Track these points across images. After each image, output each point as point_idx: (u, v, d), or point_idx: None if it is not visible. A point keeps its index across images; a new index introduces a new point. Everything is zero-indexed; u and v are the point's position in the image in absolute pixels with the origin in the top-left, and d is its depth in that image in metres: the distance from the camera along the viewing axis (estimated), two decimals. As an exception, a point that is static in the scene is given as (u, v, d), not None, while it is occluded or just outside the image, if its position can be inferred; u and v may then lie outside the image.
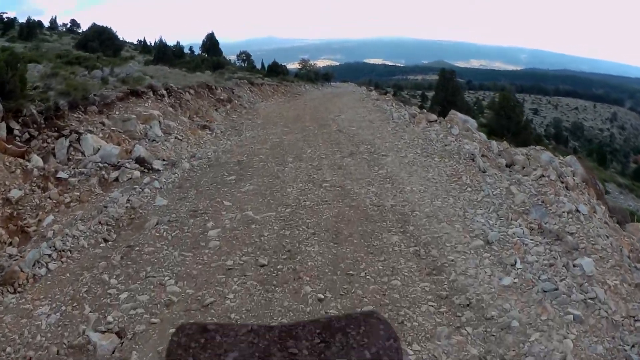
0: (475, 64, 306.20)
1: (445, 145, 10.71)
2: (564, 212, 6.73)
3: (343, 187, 7.77)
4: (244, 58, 46.16)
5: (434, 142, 11.19)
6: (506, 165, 9.84)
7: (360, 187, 7.73)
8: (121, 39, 41.73)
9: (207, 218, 6.72)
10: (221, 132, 14.05)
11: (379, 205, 6.86)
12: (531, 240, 5.90)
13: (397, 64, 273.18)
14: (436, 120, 14.81)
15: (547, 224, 6.46)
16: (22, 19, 39.99)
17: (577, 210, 6.85)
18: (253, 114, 18.24)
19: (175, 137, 12.03)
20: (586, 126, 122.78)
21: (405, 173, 8.61)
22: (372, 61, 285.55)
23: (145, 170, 9.07)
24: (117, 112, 11.40)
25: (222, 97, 18.58)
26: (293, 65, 59.47)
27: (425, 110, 19.94)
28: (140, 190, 7.96)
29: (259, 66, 45.22)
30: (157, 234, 6.33)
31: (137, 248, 5.98)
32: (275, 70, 39.52)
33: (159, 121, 12.25)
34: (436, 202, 7.03)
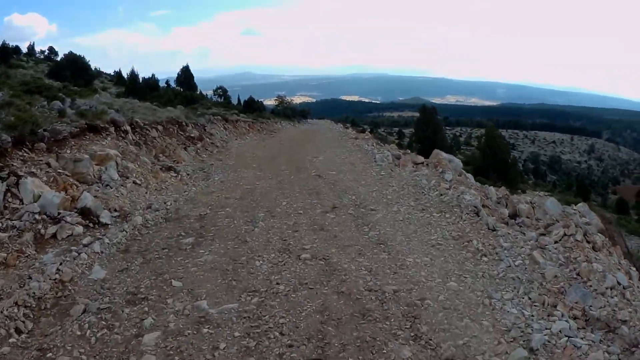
0: (451, 99, 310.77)
1: (441, 195, 9.33)
2: (607, 288, 5.24)
3: (327, 259, 6.10)
4: (221, 93, 44.55)
5: (427, 191, 9.83)
6: (509, 216, 8.45)
7: (350, 260, 6.06)
8: (95, 69, 40.24)
9: (147, 308, 4.97)
10: (187, 174, 12.45)
11: (377, 290, 5.15)
12: (582, 339, 4.35)
13: (374, 101, 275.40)
14: (423, 163, 13.59)
15: (592, 308, 4.94)
16: (13, 43, 39.84)
17: (619, 283, 5.39)
18: (225, 154, 16.72)
19: (134, 182, 10.34)
20: (564, 159, 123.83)
21: (402, 235, 7.05)
22: (348, 98, 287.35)
23: (90, 225, 7.38)
24: (68, 151, 9.67)
25: (192, 135, 17.02)
26: (270, 102, 57.79)
27: (409, 151, 18.66)
28: (77, 254, 6.23)
29: (235, 102, 43.85)
30: (80, 332, 4.56)
31: (50, 354, 4.25)
32: (252, 106, 38.13)
33: (116, 162, 10.60)
34: (450, 282, 5.40)
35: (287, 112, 47.95)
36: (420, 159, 14.01)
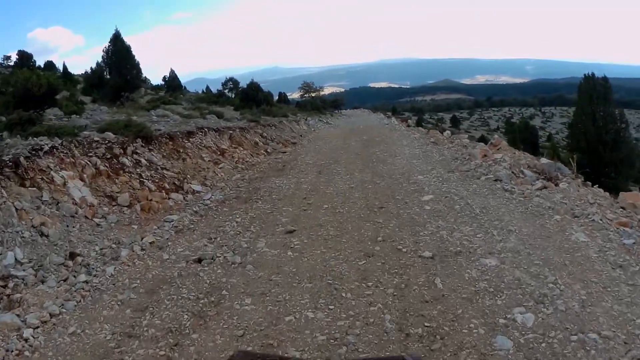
0: (481, 79, 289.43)
1: None
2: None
3: None
4: (231, 87, 33.03)
5: None
6: None
7: None
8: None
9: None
10: None
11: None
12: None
13: (403, 86, 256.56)
14: None
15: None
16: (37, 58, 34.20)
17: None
18: None
19: None
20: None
21: None
22: (377, 85, 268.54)
23: None
24: None
25: None
26: (297, 95, 48.84)
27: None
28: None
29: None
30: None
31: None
32: (255, 99, 21.41)
33: None
34: None
35: (316, 103, 38.84)
36: None
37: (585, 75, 18.89)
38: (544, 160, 8.30)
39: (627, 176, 17.12)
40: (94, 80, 18.19)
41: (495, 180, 6.80)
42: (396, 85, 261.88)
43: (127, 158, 7.19)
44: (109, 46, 17.34)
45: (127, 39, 17.88)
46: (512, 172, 7.31)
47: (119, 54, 17.09)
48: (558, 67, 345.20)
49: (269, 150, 12.96)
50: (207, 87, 48.24)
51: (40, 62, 37.13)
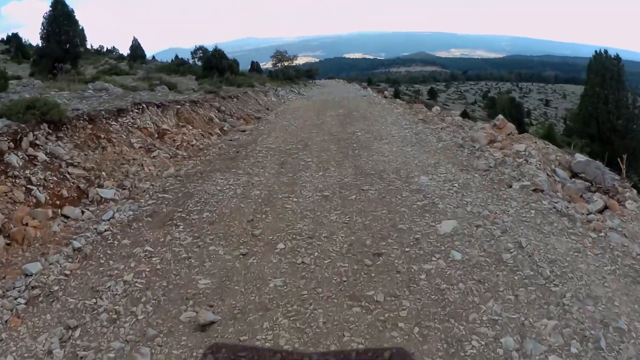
0: (456, 53, 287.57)
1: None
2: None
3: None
4: (200, 55, 32.54)
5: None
6: None
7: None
8: None
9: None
10: None
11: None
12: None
13: (378, 57, 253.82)
14: None
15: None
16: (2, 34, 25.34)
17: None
18: None
19: None
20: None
21: None
22: (352, 56, 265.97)
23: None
24: None
25: None
26: (270, 64, 45.29)
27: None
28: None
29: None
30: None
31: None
32: (217, 67, 19.01)
33: None
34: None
35: (289, 73, 35.43)
36: None
37: (596, 52, 16.62)
38: (579, 157, 6.18)
39: (638, 168, 15.37)
40: (43, 52, 15.89)
41: (535, 190, 4.66)
42: (371, 57, 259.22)
43: (16, 154, 4.86)
44: (49, 12, 14.71)
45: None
46: (547, 175, 5.25)
47: (58, 20, 14.50)
48: (532, 44, 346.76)
49: (225, 128, 10.69)
50: (176, 56, 45.95)
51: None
